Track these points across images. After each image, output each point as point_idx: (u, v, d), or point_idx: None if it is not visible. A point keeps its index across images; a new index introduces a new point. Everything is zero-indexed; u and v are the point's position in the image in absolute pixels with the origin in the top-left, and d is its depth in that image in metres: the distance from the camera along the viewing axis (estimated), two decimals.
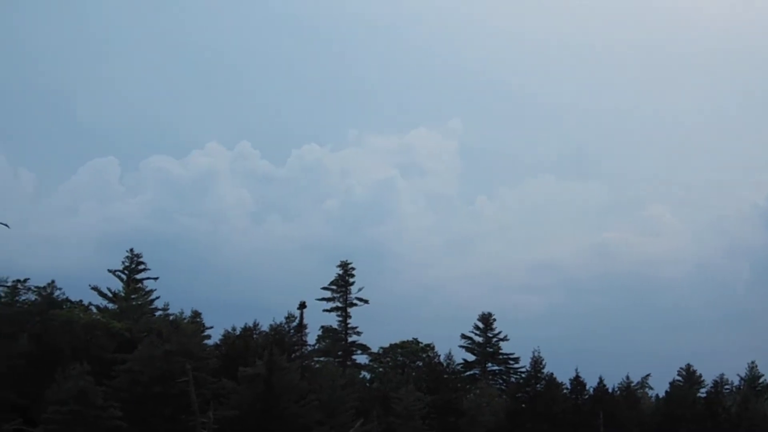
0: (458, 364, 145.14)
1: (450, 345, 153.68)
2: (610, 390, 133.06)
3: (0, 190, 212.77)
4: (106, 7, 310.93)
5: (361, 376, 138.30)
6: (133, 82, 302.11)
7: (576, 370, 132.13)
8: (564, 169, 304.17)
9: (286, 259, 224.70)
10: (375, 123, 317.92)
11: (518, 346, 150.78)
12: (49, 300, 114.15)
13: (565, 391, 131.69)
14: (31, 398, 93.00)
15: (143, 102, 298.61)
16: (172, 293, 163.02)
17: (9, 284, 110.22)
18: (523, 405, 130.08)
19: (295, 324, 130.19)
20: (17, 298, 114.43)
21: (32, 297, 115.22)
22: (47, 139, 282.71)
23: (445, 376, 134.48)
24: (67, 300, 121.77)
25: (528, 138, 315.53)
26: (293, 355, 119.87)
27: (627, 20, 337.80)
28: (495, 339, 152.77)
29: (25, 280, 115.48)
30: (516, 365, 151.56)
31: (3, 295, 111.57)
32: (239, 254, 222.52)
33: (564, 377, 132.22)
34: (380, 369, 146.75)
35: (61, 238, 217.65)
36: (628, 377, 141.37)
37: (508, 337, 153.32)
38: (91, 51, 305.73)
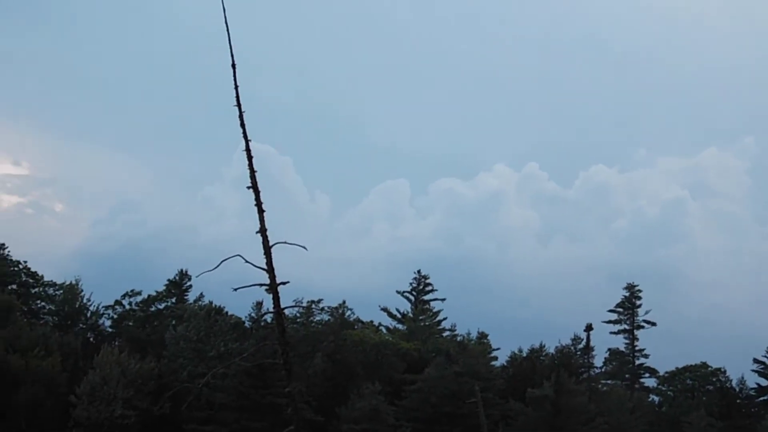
0: (751, 389, 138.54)
1: (742, 369, 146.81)
2: None
3: (298, 213, 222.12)
4: (392, 36, 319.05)
5: (649, 399, 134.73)
6: (423, 105, 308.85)
7: None
8: None
9: (573, 281, 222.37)
10: (664, 143, 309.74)
11: None
12: (341, 320, 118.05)
13: None
14: (327, 415, 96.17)
15: (433, 125, 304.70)
16: (459, 314, 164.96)
17: (304, 305, 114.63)
18: None
19: (581, 346, 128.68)
20: (312, 318, 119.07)
21: (326, 317, 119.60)
22: (342, 163, 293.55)
23: (738, 401, 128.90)
24: (359, 320, 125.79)
25: None
26: (580, 378, 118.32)
27: None
28: None
29: (319, 301, 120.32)
30: None
31: (299, 315, 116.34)
32: (526, 275, 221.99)
33: None
34: (669, 393, 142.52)
35: (352, 259, 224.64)
36: None
37: None
38: (381, 76, 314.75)
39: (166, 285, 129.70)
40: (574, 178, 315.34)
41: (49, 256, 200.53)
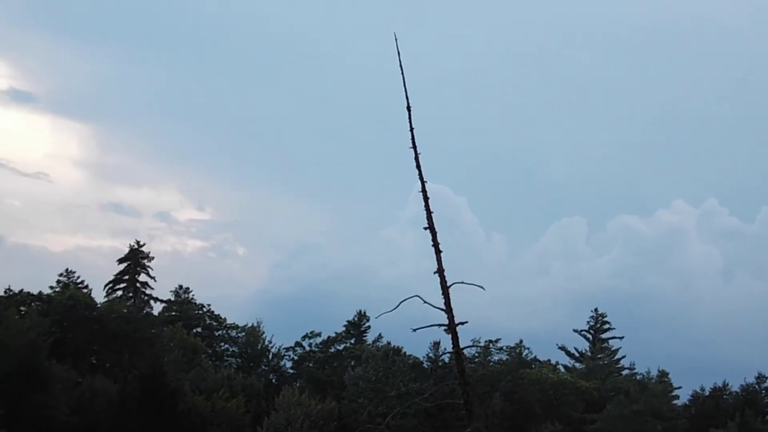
0: None
1: None
2: None
3: (474, 253, 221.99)
4: (566, 73, 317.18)
5: None
6: (599, 141, 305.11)
7: None
8: None
9: (757, 317, 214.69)
10: None
11: None
12: (518, 359, 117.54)
13: None
14: None
15: (608, 161, 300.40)
16: (638, 352, 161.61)
17: (482, 345, 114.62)
18: None
19: (766, 385, 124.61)
20: (489, 357, 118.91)
21: (503, 356, 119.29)
22: (517, 202, 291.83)
23: None
24: (536, 359, 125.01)
25: None
26: (767, 417, 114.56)
27: None
28: None
29: (497, 341, 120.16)
30: None
31: (477, 355, 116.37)
32: (707, 312, 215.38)
33: None
34: None
35: (529, 298, 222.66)
36: None
37: None
38: (555, 114, 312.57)
39: (344, 326, 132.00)
40: (756, 212, 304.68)
41: (231, 299, 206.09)
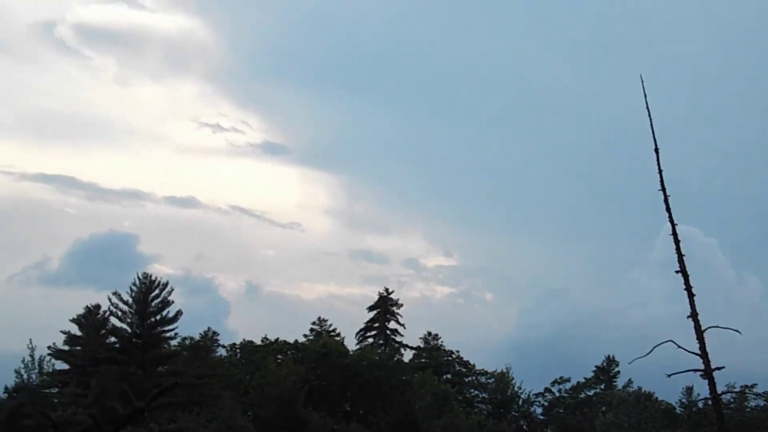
0: None
1: None
2: None
3: (726, 296, 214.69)
4: None
5: None
6: None
7: None
8: None
9: None
10: None
11: None
12: None
13: None
14: None
15: None
16: None
17: (737, 390, 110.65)
18: None
19: None
20: (746, 404, 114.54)
21: (761, 403, 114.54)
22: None
23: None
24: None
25: None
26: None
27: None
28: None
29: (753, 386, 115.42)
30: None
31: (732, 401, 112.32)
32: None
33: None
34: None
35: None
36: None
37: None
38: None
39: (593, 371, 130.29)
40: None
41: (479, 345, 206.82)
